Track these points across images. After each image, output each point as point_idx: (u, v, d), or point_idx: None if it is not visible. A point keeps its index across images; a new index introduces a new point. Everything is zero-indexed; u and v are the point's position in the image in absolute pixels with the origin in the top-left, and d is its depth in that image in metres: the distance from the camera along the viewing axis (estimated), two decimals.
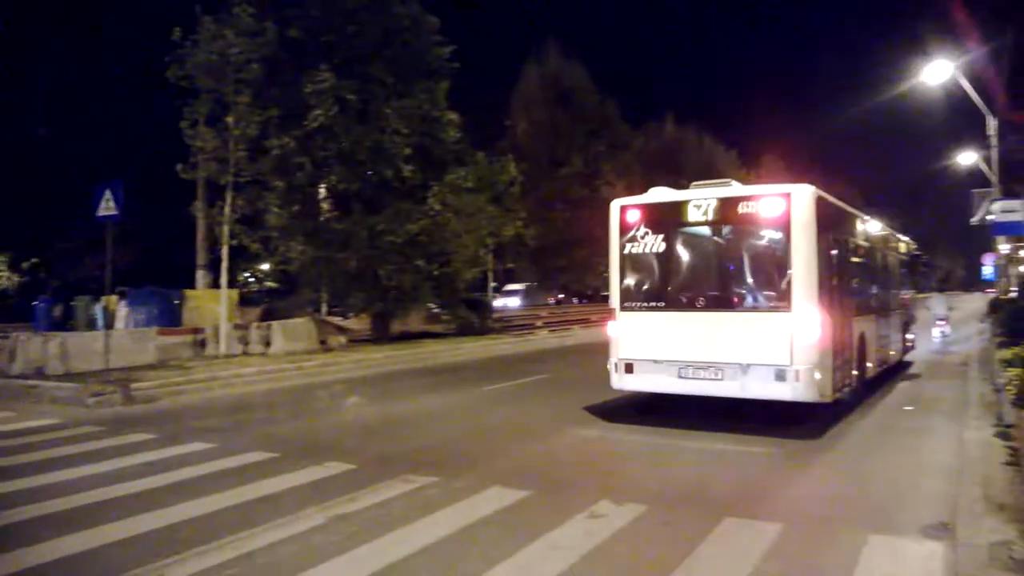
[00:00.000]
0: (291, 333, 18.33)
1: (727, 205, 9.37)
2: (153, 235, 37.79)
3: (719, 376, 9.04)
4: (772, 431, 8.86)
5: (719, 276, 9.64)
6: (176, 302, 20.71)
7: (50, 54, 42.23)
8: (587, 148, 36.89)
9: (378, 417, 10.60)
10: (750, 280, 9.27)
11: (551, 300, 39.71)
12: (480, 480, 6.68)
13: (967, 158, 30.60)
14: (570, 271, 37.30)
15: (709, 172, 49.23)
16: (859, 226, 12.17)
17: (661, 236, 9.72)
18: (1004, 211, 16.59)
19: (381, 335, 21.72)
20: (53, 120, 42.21)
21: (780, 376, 8.59)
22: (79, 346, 14.73)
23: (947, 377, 14.22)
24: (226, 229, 17.69)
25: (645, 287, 9.89)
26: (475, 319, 24.92)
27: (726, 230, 9.54)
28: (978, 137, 25.10)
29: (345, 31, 19.61)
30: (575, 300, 43.84)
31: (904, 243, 16.97)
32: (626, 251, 9.96)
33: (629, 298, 9.93)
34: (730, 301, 9.33)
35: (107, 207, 15.68)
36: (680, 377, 9.32)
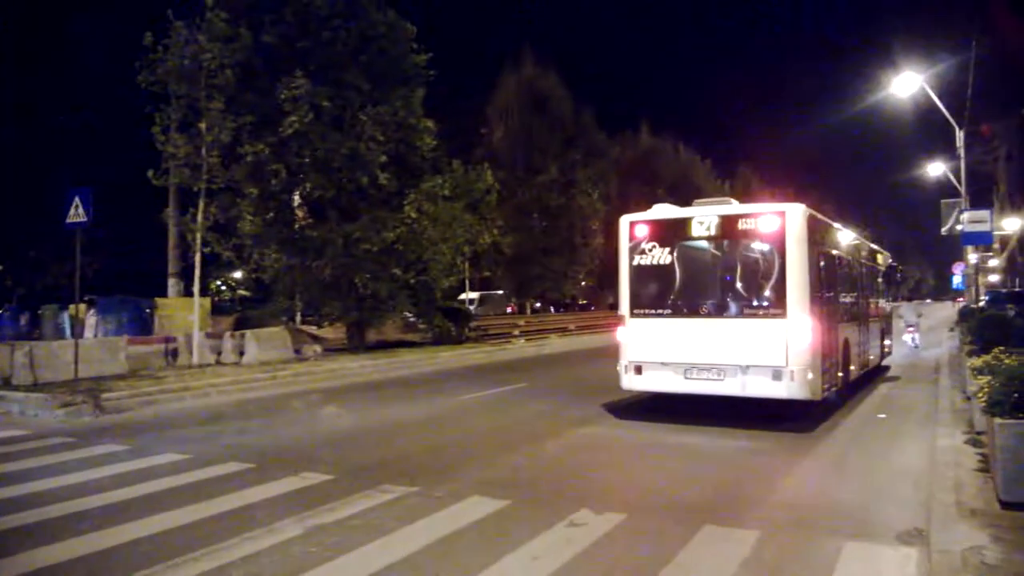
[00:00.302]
0: (265, 342, 18.11)
1: (727, 221, 10.34)
2: (123, 242, 37.17)
3: (721, 377, 9.92)
4: (754, 428, 8.97)
5: (720, 286, 10.53)
6: (147, 310, 20.41)
7: (17, 57, 41.39)
8: (563, 156, 36.97)
9: (355, 427, 10.50)
10: (748, 289, 10.19)
11: (509, 309, 39.63)
12: (459, 489, 6.64)
13: (936, 169, 31.35)
14: (547, 279, 37.29)
15: (684, 181, 49.90)
16: (844, 240, 13.20)
17: (667, 249, 10.69)
18: (973, 221, 17.01)
19: (357, 344, 21.56)
20: (20, 124, 41.34)
21: (777, 376, 9.51)
22: (47, 355, 14.38)
23: (920, 383, 14.52)
24: (199, 236, 17.47)
25: (652, 295, 10.79)
26: (452, 328, 24.84)
27: (726, 244, 10.47)
28: (947, 148, 25.70)
29: (320, 37, 19.49)
30: (552, 309, 43.91)
31: (882, 255, 17.86)
32: (634, 262, 10.88)
33: (637, 305, 10.84)
34: (730, 308, 10.26)
35: (76, 214, 15.39)
36: (686, 378, 10.20)
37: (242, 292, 38.87)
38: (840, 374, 11.48)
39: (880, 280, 17.04)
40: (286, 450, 8.72)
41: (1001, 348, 7.92)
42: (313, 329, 23.16)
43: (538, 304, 41.67)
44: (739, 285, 10.30)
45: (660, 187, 48.66)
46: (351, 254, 19.83)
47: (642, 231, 10.88)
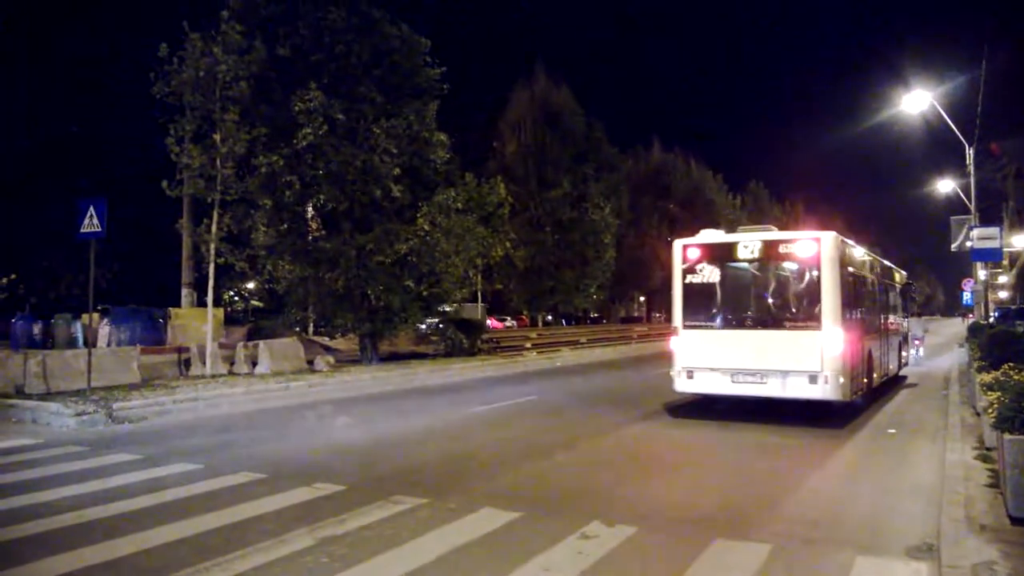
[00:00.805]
0: (278, 353, 18.23)
1: (769, 246, 11.74)
2: (136, 252, 37.52)
3: (764, 380, 11.24)
4: (766, 448, 8.94)
5: (763, 301, 12.01)
6: (160, 320, 20.59)
7: (30, 66, 41.99)
8: (575, 170, 37.11)
9: (367, 438, 10.54)
10: (788, 305, 11.74)
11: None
12: (470, 501, 6.67)
13: (946, 186, 31.26)
14: (559, 292, 37.33)
15: (696, 195, 49.83)
16: (868, 262, 14.63)
17: (715, 269, 12.11)
18: (982, 238, 16.98)
19: (369, 356, 21.64)
20: (33, 133, 41.89)
21: (813, 380, 10.85)
22: (60, 364, 14.56)
23: (930, 398, 14.48)
24: (212, 247, 17.63)
25: (702, 310, 12.14)
26: (464, 340, 24.89)
27: (768, 265, 11.92)
28: (957, 165, 25.64)
29: (334, 50, 19.72)
30: (563, 322, 43.89)
31: (899, 274, 19.44)
32: (686, 280, 12.26)
33: (689, 318, 12.17)
34: (772, 321, 11.69)
35: (90, 224, 15.59)
36: (733, 382, 11.51)
37: (255, 303, 39.07)
38: (865, 380, 12.73)
39: (898, 297, 18.45)
40: (298, 461, 8.77)
41: (1010, 364, 7.90)
42: (326, 340, 23.27)
43: (549, 317, 41.68)
44: (779, 301, 11.82)
45: (672, 201, 48.76)
46: (364, 266, 19.95)
47: (693, 253, 12.29)
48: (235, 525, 6.03)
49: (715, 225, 51.84)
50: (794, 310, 11.62)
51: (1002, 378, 6.34)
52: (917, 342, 23.88)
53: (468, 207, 21.91)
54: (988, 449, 7.80)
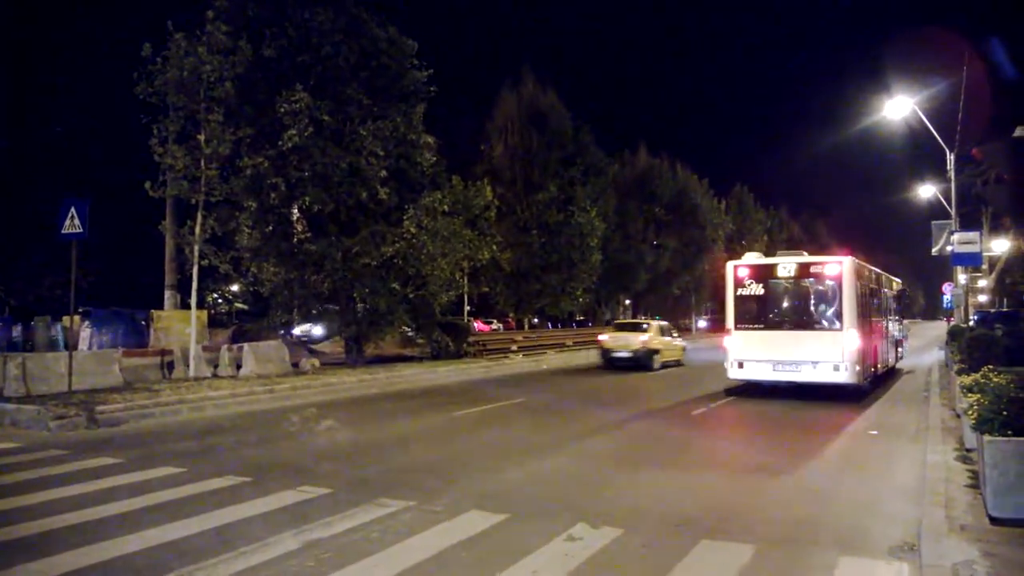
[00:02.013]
0: (263, 356, 18.10)
1: (802, 267, 15.53)
2: (119, 254, 37.15)
3: (798, 369, 14.77)
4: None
5: (796, 309, 15.61)
6: (142, 323, 20.38)
7: (10, 66, 41.46)
8: (562, 174, 37.19)
9: (352, 441, 10.50)
10: (816, 312, 15.27)
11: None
12: (456, 504, 6.66)
13: (927, 191, 31.64)
14: (545, 296, 37.35)
15: (682, 199, 49.98)
16: (875, 277, 18.56)
17: (760, 284, 15.72)
18: (963, 242, 17.26)
19: (355, 358, 21.55)
20: (14, 133, 41.35)
21: (836, 368, 14.42)
22: (40, 367, 14.35)
23: (916, 394, 14.76)
24: (196, 249, 17.49)
25: (749, 315, 15.71)
26: (450, 343, 24.85)
27: (801, 281, 15.49)
28: (938, 170, 25.97)
29: (321, 52, 19.63)
30: (549, 325, 43.89)
31: (896, 283, 22.94)
32: (737, 293, 15.86)
33: (739, 322, 15.73)
34: (804, 324, 15.28)
35: (72, 225, 15.41)
36: (774, 370, 15.09)
37: (239, 305, 38.84)
38: (872, 369, 16.50)
39: (894, 302, 21.92)
40: (283, 464, 8.72)
41: (990, 367, 8.00)
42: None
43: (536, 320, 41.70)
44: (810, 309, 15.38)
45: (657, 205, 48.97)
46: (350, 268, 19.88)
47: (742, 272, 15.92)
48: (220, 529, 5.99)
49: (700, 229, 51.99)
50: (820, 316, 15.13)
51: (982, 381, 6.43)
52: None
53: (455, 210, 21.92)
54: (968, 450, 7.91)
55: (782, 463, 8.81)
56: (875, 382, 16.95)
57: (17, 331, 25.83)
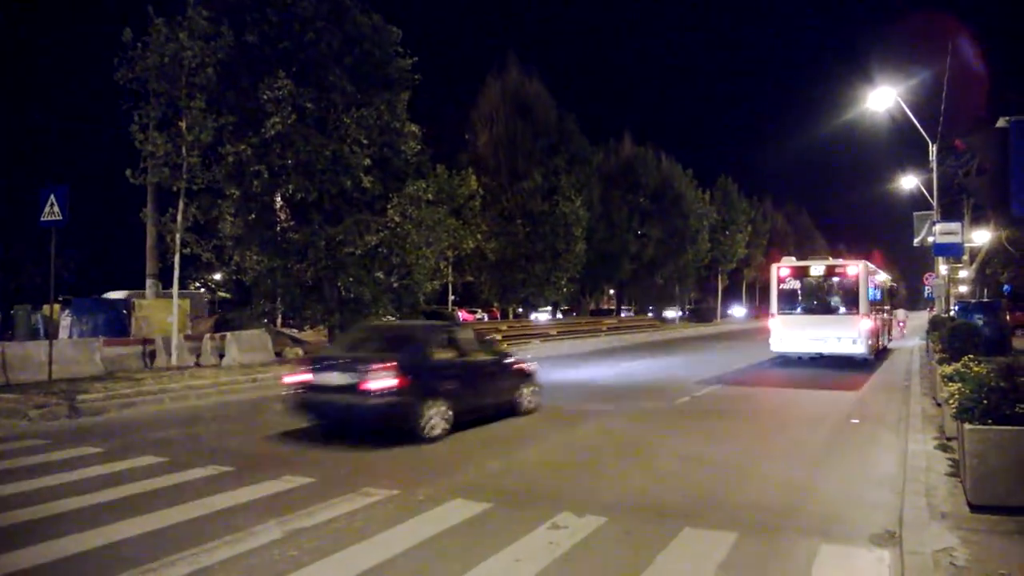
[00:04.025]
0: (246, 345, 17.99)
1: (829, 268, 20.81)
2: (100, 242, 36.72)
3: (826, 343, 19.70)
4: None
5: (824, 299, 20.68)
6: (124, 311, 20.14)
7: None
8: (547, 163, 37.14)
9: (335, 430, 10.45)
10: (839, 301, 20.39)
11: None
12: (440, 493, 6.66)
13: (909, 182, 31.90)
14: (530, 285, 37.36)
15: (666, 189, 50.02)
16: (879, 275, 24.23)
17: (797, 280, 20.92)
18: (944, 233, 17.43)
19: None
20: None
21: (854, 343, 19.46)
22: (20, 356, 14.20)
23: (893, 390, 14.82)
24: (178, 237, 17.30)
25: (789, 303, 20.88)
26: None
27: (829, 279, 20.69)
28: (921, 161, 26.16)
29: (304, 38, 19.40)
30: (533, 316, 43.94)
31: (890, 280, 28.45)
32: (780, 287, 20.88)
33: (781, 309, 20.72)
34: (830, 310, 20.38)
35: (51, 212, 15.17)
36: (807, 344, 19.94)
37: (222, 294, 38.46)
38: (877, 346, 21.81)
39: (888, 295, 27.35)
40: (266, 453, 8.69)
41: (970, 356, 8.11)
42: (294, 332, 23.00)
43: (520, 309, 41.73)
44: (835, 299, 20.47)
45: (642, 195, 49.04)
46: (334, 257, 19.75)
47: (784, 271, 21.01)
48: (203, 518, 5.95)
49: (684, 219, 52.03)
50: (843, 304, 20.13)
51: (962, 370, 6.51)
52: (901, 325, 34.64)
53: (439, 199, 21.81)
54: (948, 439, 8.01)
55: (765, 445, 8.90)
56: (878, 355, 21.99)
57: None
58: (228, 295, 33.65)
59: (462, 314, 41.36)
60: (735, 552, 5.15)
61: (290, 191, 19.41)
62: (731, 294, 72.36)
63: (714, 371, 19.03)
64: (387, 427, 9.22)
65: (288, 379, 10.28)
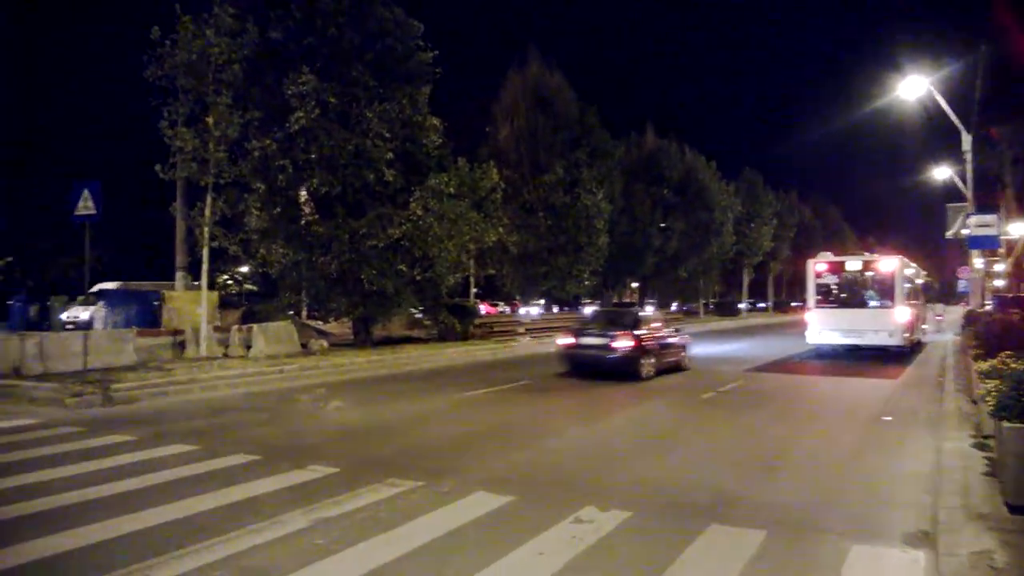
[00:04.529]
0: (272, 336, 18.18)
1: (865, 263, 21.41)
2: (131, 235, 37.33)
3: (862, 336, 20.41)
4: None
5: (860, 292, 21.11)
6: (155, 303, 20.48)
7: (24, 50, 41.52)
8: (568, 156, 36.92)
9: (361, 421, 10.54)
10: (874, 295, 20.80)
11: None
12: (464, 485, 6.67)
13: (942, 173, 31.22)
14: (552, 278, 37.23)
15: (690, 181, 49.54)
16: (912, 269, 24.12)
17: (834, 276, 21.52)
18: (979, 225, 17.04)
19: (363, 340, 21.59)
20: (28, 117, 41.48)
21: (890, 335, 19.99)
22: (56, 346, 14.49)
23: (925, 386, 14.58)
24: (206, 231, 17.51)
25: (826, 297, 21.39)
26: (457, 324, 24.85)
27: (864, 273, 21.19)
28: (954, 151, 25.60)
29: (327, 33, 19.49)
30: (556, 309, 43.82)
31: (924, 274, 28.74)
32: (816, 281, 21.38)
33: (818, 303, 21.24)
34: (865, 303, 20.88)
35: (85, 207, 15.49)
36: (843, 336, 20.68)
37: (249, 286, 38.95)
38: (912, 340, 21.57)
39: (921, 289, 27.38)
40: (293, 443, 8.77)
41: (1008, 352, 7.91)
42: (319, 324, 23.21)
43: (542, 302, 41.62)
44: (870, 292, 20.93)
45: (665, 187, 48.58)
46: (357, 250, 19.87)
47: (820, 267, 21.59)
48: (231, 506, 6.03)
49: (709, 212, 51.50)
50: (878, 297, 20.63)
51: (1000, 366, 6.34)
52: (939, 318, 35.14)
53: (461, 192, 21.80)
54: (985, 437, 7.83)
55: (798, 441, 8.80)
56: (913, 348, 21.86)
57: (34, 310, 26.02)
58: (255, 288, 34.08)
59: (485, 307, 41.41)
60: (763, 550, 5.08)
61: (314, 185, 19.56)
62: (756, 288, 71.55)
63: (744, 366, 18.86)
64: (621, 371, 15.15)
65: (560, 341, 16.75)
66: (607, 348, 15.13)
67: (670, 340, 17.06)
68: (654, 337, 16.18)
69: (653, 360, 15.69)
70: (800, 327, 23.68)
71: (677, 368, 17.01)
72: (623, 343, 15.09)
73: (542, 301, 45.09)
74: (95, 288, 26.21)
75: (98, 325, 18.55)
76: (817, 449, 8.74)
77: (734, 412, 11.54)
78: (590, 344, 15.55)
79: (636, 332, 15.50)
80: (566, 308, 45.82)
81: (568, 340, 16.13)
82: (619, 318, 17.05)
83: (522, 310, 43.94)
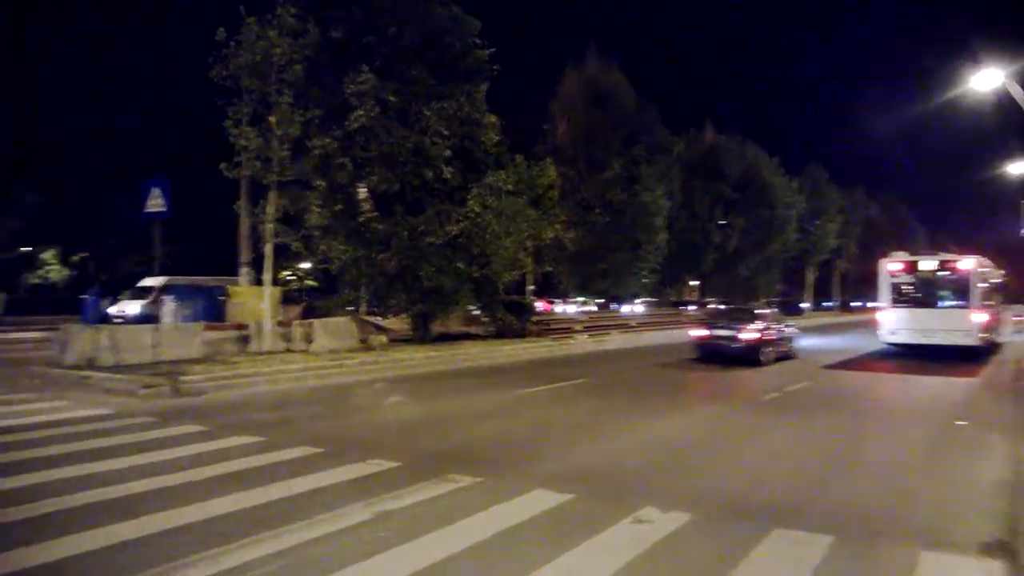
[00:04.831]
0: (332, 331, 18.56)
1: (941, 263, 20.98)
2: (198, 232, 38.67)
3: (936, 336, 19.96)
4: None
5: (936, 293, 20.88)
6: (220, 298, 21.14)
7: (95, 57, 43.52)
8: (626, 152, 36.60)
9: (420, 416, 10.68)
10: (950, 294, 20.57)
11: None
12: (523, 482, 6.68)
13: (1018, 167, 29.68)
14: (610, 276, 36.98)
15: (751, 178, 48.49)
16: (989, 268, 23.12)
17: (908, 275, 21.22)
18: None
19: (421, 336, 21.84)
20: (102, 119, 43.40)
21: (966, 335, 19.54)
22: (128, 339, 15.12)
23: (1003, 391, 13.96)
24: (269, 228, 17.98)
25: (899, 297, 21.12)
26: (514, 322, 24.91)
27: (939, 273, 20.83)
28: None
29: (386, 32, 19.75)
30: (613, 306, 43.45)
31: (1000, 273, 27.36)
32: (890, 281, 21.13)
33: (893, 302, 21.07)
34: (940, 303, 20.65)
35: (154, 204, 16.11)
36: (917, 336, 20.35)
37: (309, 283, 39.85)
38: (989, 340, 21.06)
39: (999, 288, 26.16)
40: (354, 436, 8.95)
41: None
42: (378, 320, 23.57)
43: (601, 300, 41.40)
44: (946, 292, 20.68)
45: (726, 184, 47.68)
46: (416, 247, 20.10)
47: (894, 267, 21.36)
48: (294, 497, 6.18)
49: (771, 209, 50.27)
50: (955, 297, 20.33)
51: None
52: (1019, 319, 33.48)
53: (518, 189, 21.83)
54: None
55: (865, 445, 8.52)
56: (990, 349, 21.47)
57: (107, 304, 27.19)
58: (315, 283, 34.88)
59: (542, 304, 41.40)
60: (830, 556, 4.94)
61: (373, 182, 19.87)
62: (820, 287, 69.46)
63: (812, 367, 18.41)
64: (745, 359, 17.96)
65: (693, 333, 19.93)
66: (734, 339, 18.22)
67: (783, 333, 20.22)
68: (771, 330, 19.18)
69: (771, 349, 18.64)
70: (869, 327, 23.81)
71: (787, 357, 19.88)
72: (748, 335, 18.19)
73: (592, 299, 44.74)
74: (139, 284, 27.33)
75: (166, 319, 19.23)
76: (889, 451, 8.46)
77: (803, 412, 11.25)
78: (720, 336, 18.64)
79: (758, 326, 18.66)
80: (613, 306, 45.37)
81: (702, 332, 19.37)
82: (741, 314, 20.29)
83: (568, 307, 43.49)
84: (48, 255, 43.48)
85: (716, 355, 18.56)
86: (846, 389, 14.66)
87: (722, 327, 18.89)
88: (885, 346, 21.53)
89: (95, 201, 41.31)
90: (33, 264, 43.34)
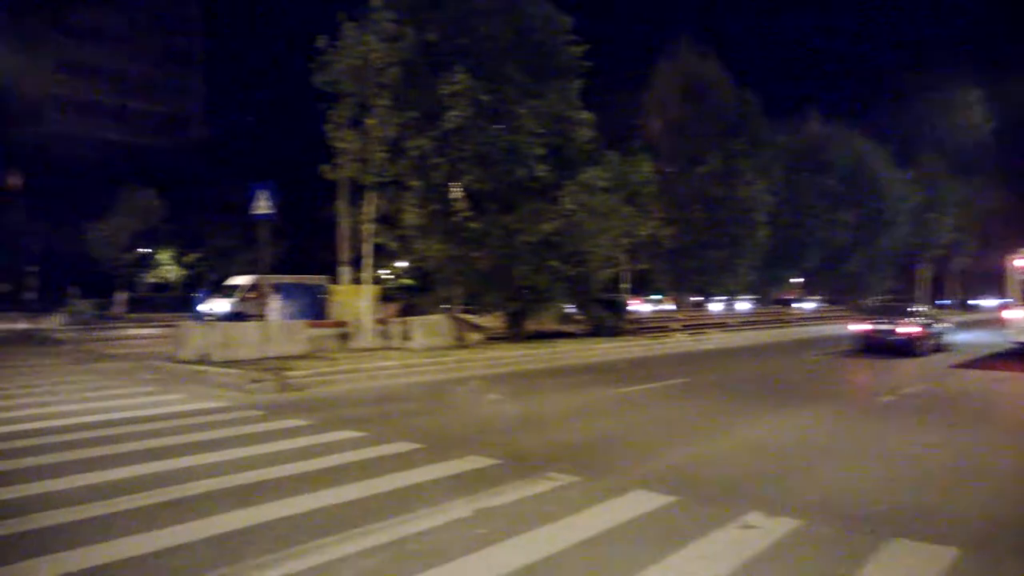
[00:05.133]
0: (429, 329, 18.92)
1: None
2: (300, 232, 40.45)
3: None
4: None
5: None
6: (320, 296, 21.99)
7: (206, 65, 46.33)
8: (725, 146, 35.45)
9: (517, 414, 10.70)
10: None
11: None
12: (623, 482, 6.56)
13: None
14: (707, 273, 35.95)
15: (859, 170, 46.00)
16: None
17: None
18: None
19: (516, 334, 21.93)
20: (212, 125, 46.16)
21: None
22: (238, 335, 15.94)
23: None
24: (368, 228, 18.50)
25: None
26: (609, 319, 24.64)
27: None
28: None
29: (478, 32, 19.91)
30: (709, 305, 42.18)
31: None
32: (1019, 278, 19.03)
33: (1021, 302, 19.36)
34: None
35: (261, 206, 16.89)
36: None
37: (405, 281, 40.85)
38: None
39: None
40: (452, 433, 9.06)
41: None
42: (473, 318, 23.87)
43: (702, 298, 40.38)
44: None
45: (832, 177, 45.44)
46: (510, 245, 20.19)
47: (1021, 263, 19.23)
48: (397, 491, 6.30)
49: (881, 202, 47.51)
50: None
51: None
52: None
53: (613, 186, 21.54)
54: None
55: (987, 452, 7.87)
56: None
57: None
58: (412, 282, 35.73)
59: (638, 302, 40.81)
60: (953, 570, 4.57)
61: (468, 181, 20.09)
62: (936, 284, 65.03)
63: (936, 369, 17.30)
64: (903, 350, 19.46)
65: (854, 327, 21.44)
66: (893, 333, 19.91)
67: (937, 326, 21.56)
68: (928, 323, 20.85)
69: (931, 342, 20.23)
70: (992, 326, 22.82)
71: (938, 349, 20.85)
72: (907, 328, 19.90)
73: (670, 295, 43.54)
74: (226, 283, 28.73)
75: (274, 316, 20.16)
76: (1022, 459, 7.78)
77: (924, 416, 10.53)
78: (881, 329, 20.33)
79: (916, 320, 20.56)
80: (703, 304, 44.01)
81: (864, 327, 21.00)
82: (900, 310, 22.46)
83: (639, 305, 42.25)
84: (164, 256, 46.52)
85: (878, 347, 20.08)
86: (994, 393, 13.60)
87: (883, 322, 20.57)
88: (1013, 346, 19.70)
89: (206, 205, 43.94)
90: (151, 264, 46.51)
